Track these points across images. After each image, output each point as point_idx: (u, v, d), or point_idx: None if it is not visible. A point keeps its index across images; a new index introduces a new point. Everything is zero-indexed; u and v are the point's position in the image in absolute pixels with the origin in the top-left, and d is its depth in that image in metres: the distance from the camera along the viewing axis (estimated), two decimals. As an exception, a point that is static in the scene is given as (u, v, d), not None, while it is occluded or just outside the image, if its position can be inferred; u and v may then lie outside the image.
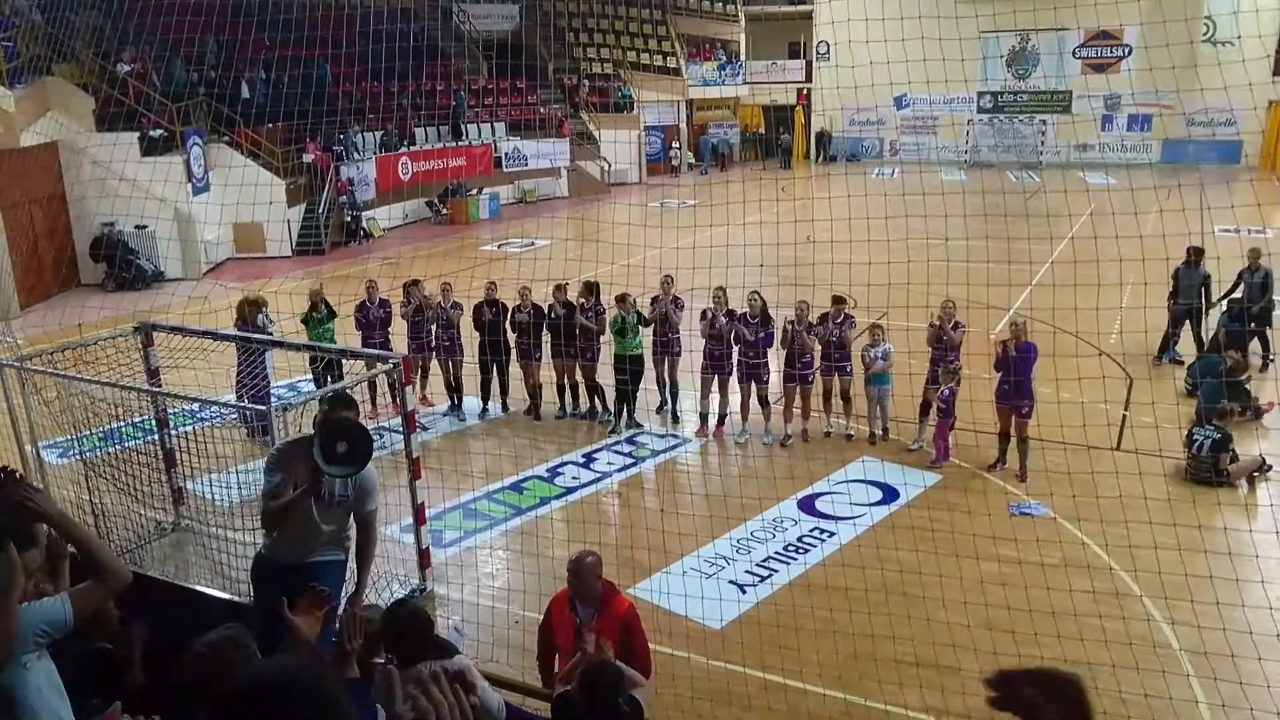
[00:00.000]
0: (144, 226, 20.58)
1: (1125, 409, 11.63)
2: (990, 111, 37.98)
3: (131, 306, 18.31)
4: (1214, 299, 13.60)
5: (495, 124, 31.32)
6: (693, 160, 38.46)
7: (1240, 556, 7.91)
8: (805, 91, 40.70)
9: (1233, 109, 33.17)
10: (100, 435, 8.63)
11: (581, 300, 11.80)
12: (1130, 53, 35.20)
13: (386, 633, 4.35)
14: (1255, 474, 9.82)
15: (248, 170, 22.93)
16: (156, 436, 8.93)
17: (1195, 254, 13.55)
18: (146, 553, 8.59)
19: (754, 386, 11.25)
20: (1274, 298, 13.50)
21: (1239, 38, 30.69)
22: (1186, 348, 13.42)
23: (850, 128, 39.45)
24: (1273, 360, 13.34)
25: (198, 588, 2.96)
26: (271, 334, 11.47)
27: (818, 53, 39.77)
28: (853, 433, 11.27)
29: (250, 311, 11.54)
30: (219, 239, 22.70)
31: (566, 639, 5.28)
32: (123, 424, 8.53)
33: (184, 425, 9.49)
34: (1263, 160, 33.49)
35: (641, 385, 11.75)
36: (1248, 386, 11.80)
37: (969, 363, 11.14)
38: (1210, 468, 9.76)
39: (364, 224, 25.46)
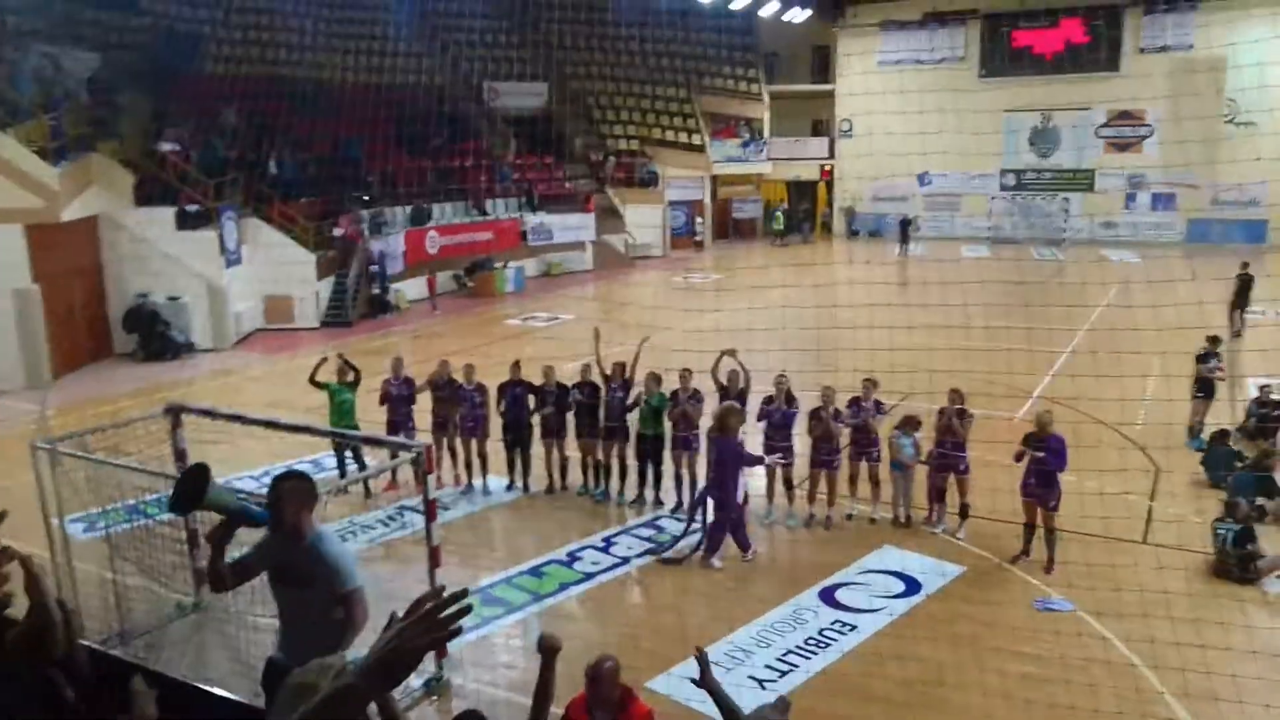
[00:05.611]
0: (176, 298, 21.04)
1: (1151, 500, 11.49)
2: (1013, 189, 38.21)
3: (162, 377, 18.67)
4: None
5: (522, 199, 31.85)
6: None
7: (1265, 656, 7.74)
8: (829, 168, 41.24)
9: (1257, 187, 33.14)
10: (125, 510, 8.73)
11: (608, 379, 11.81)
12: (1153, 133, 35.41)
13: None
14: (1283, 570, 9.62)
15: (279, 244, 23.53)
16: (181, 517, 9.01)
17: (1211, 342, 13.61)
18: (165, 634, 8.62)
19: (779, 469, 11.23)
20: None
21: (1261, 116, 30.73)
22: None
23: (875, 203, 39.77)
24: None
25: (211, 689, 2.91)
26: None
27: (840, 130, 40.36)
28: (877, 517, 11.20)
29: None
30: (249, 310, 23.12)
31: (583, 743, 5.24)
32: (147, 499, 8.64)
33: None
34: (1288, 240, 33.33)
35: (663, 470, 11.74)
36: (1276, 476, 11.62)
37: (992, 449, 11.08)
38: (1237, 562, 9.58)
39: (391, 296, 25.84)
